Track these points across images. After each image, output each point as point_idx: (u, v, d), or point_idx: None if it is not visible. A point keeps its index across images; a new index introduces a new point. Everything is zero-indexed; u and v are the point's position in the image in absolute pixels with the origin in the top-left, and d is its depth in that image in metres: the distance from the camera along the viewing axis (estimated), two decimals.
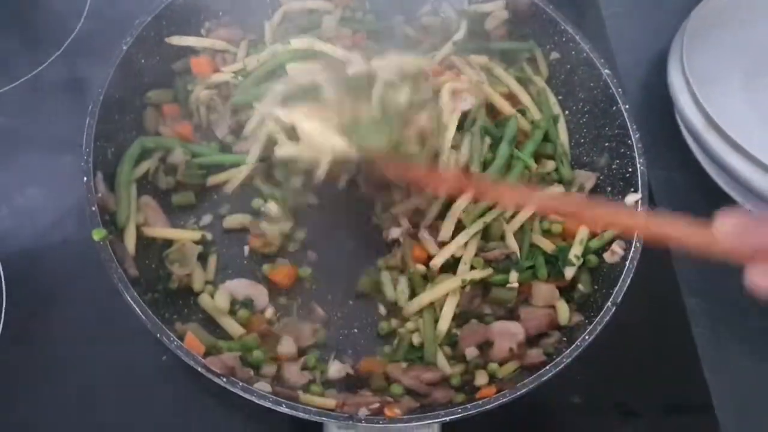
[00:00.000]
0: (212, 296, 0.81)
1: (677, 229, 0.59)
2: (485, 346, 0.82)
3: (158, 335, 0.69)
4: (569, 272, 0.85)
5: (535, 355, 0.78)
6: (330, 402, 0.71)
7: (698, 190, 1.04)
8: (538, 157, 0.95)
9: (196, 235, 0.85)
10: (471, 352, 0.81)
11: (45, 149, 0.96)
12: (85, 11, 1.10)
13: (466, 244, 0.85)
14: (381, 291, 0.86)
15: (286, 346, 0.78)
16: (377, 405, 0.71)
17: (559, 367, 0.73)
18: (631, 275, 0.80)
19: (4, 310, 0.83)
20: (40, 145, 0.97)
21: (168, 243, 0.83)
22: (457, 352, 0.82)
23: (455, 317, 0.83)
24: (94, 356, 0.81)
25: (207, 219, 0.89)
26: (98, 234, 0.73)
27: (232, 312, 0.81)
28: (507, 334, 0.82)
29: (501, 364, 0.80)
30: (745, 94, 1.06)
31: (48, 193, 0.93)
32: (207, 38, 0.97)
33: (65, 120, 0.99)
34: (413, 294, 0.85)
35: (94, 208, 0.75)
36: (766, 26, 1.10)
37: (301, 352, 0.79)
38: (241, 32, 1.00)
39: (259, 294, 0.83)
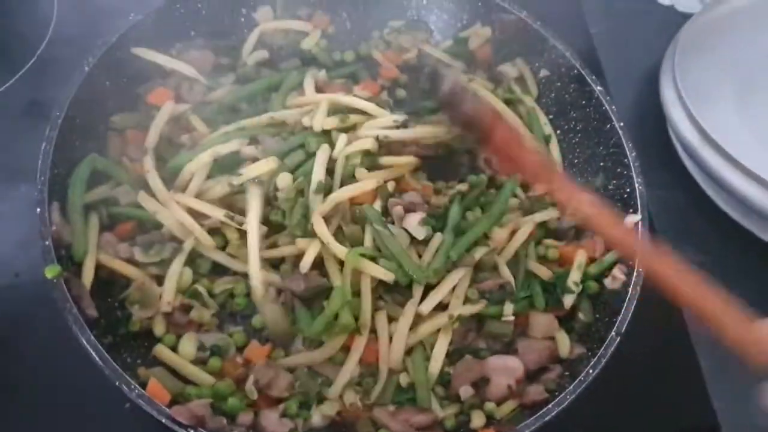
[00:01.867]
0: (174, 345, 0.74)
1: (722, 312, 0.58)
2: (481, 383, 0.76)
3: (117, 383, 0.62)
4: (568, 300, 0.80)
5: (535, 392, 0.73)
6: None
7: (695, 208, 1.01)
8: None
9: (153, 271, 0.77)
10: (465, 391, 0.75)
11: (1, 176, 0.91)
12: (49, 32, 1.05)
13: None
14: None
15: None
16: None
17: (563, 405, 0.68)
18: (635, 302, 0.75)
19: None
20: None
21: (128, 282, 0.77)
22: (450, 392, 0.76)
23: (448, 354, 0.77)
24: (52, 405, 0.75)
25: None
26: (51, 271, 0.67)
27: (200, 360, 0.73)
28: (504, 369, 0.76)
29: (498, 403, 0.74)
30: (739, 108, 1.03)
31: (3, 224, 0.87)
32: (176, 59, 0.92)
33: (22, 146, 0.92)
34: None
35: (47, 242, 0.69)
36: (758, 40, 1.09)
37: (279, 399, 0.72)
38: (212, 56, 0.95)
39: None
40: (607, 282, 0.80)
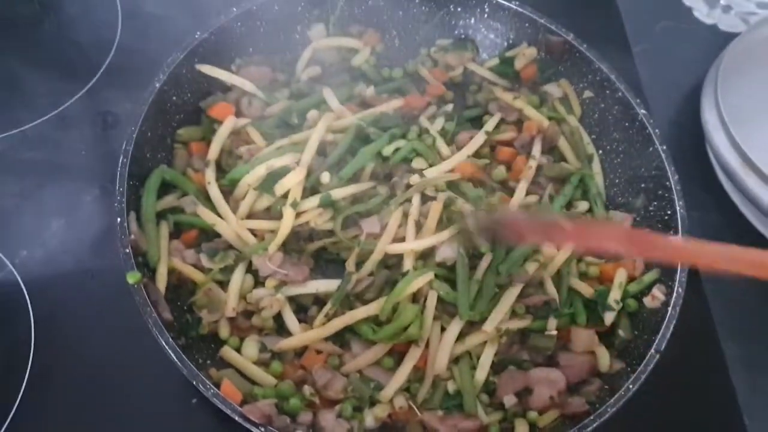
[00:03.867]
0: (238, 347, 0.79)
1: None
2: (524, 393, 0.80)
3: (194, 382, 0.67)
4: (609, 317, 0.83)
5: (577, 404, 0.76)
6: None
7: (733, 232, 1.02)
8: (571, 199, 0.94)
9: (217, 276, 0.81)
10: (509, 399, 0.79)
11: (74, 182, 0.96)
12: (114, 46, 1.10)
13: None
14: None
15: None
16: None
17: (604, 417, 0.71)
18: (674, 322, 0.78)
19: (33, 343, 0.82)
20: (70, 178, 0.97)
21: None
22: (494, 400, 0.80)
23: (493, 364, 0.80)
24: (123, 397, 0.80)
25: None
26: (133, 277, 0.72)
27: (262, 362, 0.78)
28: (546, 381, 0.80)
29: (541, 412, 0.78)
30: None
31: (77, 226, 0.92)
32: (237, 75, 0.97)
33: (92, 154, 1.00)
34: None
35: (127, 250, 0.74)
36: None
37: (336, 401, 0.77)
38: (270, 71, 1.00)
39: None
40: (647, 301, 0.83)
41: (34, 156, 0.99)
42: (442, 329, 0.80)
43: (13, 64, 1.08)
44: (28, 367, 0.80)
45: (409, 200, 0.87)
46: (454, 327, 0.80)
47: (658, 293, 0.82)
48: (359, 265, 0.82)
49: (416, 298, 0.81)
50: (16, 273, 0.87)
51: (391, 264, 0.83)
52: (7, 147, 0.99)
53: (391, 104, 0.97)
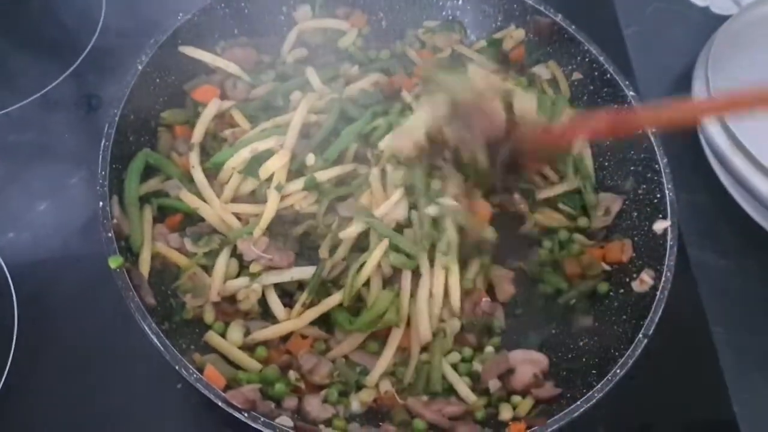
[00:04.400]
0: (223, 332, 0.78)
1: None
2: (507, 374, 0.80)
3: (177, 367, 0.66)
4: None
5: (548, 388, 0.76)
6: None
7: (723, 215, 1.02)
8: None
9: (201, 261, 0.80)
10: (494, 384, 0.79)
11: (59, 165, 0.96)
12: (98, 28, 1.09)
13: None
14: None
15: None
16: None
17: (591, 402, 0.71)
18: (663, 306, 0.77)
19: (16, 327, 0.81)
20: (54, 161, 0.96)
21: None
22: (478, 386, 0.80)
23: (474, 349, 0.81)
24: (107, 382, 0.80)
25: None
26: (115, 262, 0.71)
27: (247, 347, 0.77)
28: (530, 361, 0.80)
29: (524, 393, 0.78)
30: None
31: (61, 209, 0.92)
32: (221, 57, 0.95)
33: (76, 137, 0.99)
34: None
35: (110, 234, 0.73)
36: None
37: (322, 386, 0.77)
38: (255, 53, 0.98)
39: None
40: (635, 285, 0.83)
41: (17, 138, 0.98)
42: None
43: None
44: (11, 351, 0.80)
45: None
46: (424, 281, 0.79)
47: (646, 277, 0.82)
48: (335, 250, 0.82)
49: (391, 281, 0.80)
50: None
51: (365, 246, 0.82)
52: None
53: (371, 79, 0.95)
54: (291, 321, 0.78)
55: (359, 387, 0.77)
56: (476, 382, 0.80)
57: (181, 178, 0.86)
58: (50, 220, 0.91)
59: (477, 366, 0.81)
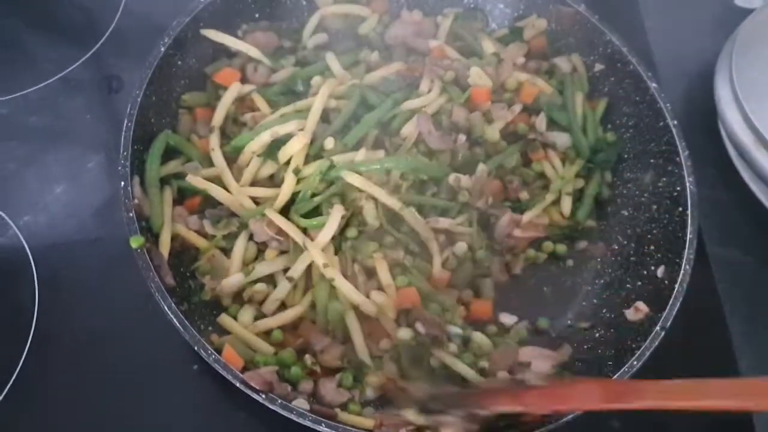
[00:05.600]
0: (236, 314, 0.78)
1: None
2: (521, 368, 0.79)
3: (196, 348, 0.67)
4: None
5: None
6: (368, 422, 0.69)
7: (743, 210, 1.01)
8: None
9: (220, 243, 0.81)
10: (502, 376, 0.78)
11: (79, 146, 0.96)
12: (119, 10, 1.09)
13: None
14: None
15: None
16: (414, 427, 0.69)
17: None
18: (681, 299, 0.77)
19: (36, 305, 0.82)
20: (75, 143, 0.97)
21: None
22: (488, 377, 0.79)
23: None
24: (124, 362, 0.80)
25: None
26: (136, 241, 0.72)
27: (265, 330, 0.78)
28: (541, 356, 0.80)
29: None
30: None
31: (81, 191, 0.93)
32: (242, 41, 0.95)
33: (96, 119, 1.00)
34: None
35: (131, 214, 0.73)
36: None
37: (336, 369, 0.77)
38: (276, 38, 0.98)
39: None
40: (629, 313, 0.82)
41: (37, 120, 0.98)
42: None
43: (17, 26, 1.07)
44: (32, 331, 0.81)
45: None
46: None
47: (641, 306, 0.81)
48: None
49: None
50: (21, 236, 0.87)
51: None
52: (10, 111, 0.98)
53: (392, 67, 0.95)
54: (295, 308, 0.78)
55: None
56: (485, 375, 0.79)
57: (201, 161, 0.86)
58: (70, 202, 0.92)
59: (484, 363, 0.80)
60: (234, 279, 0.78)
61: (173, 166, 0.85)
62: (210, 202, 0.84)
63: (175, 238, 0.80)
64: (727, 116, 0.98)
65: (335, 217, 0.78)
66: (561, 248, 0.92)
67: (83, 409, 0.77)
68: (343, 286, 0.76)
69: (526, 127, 0.94)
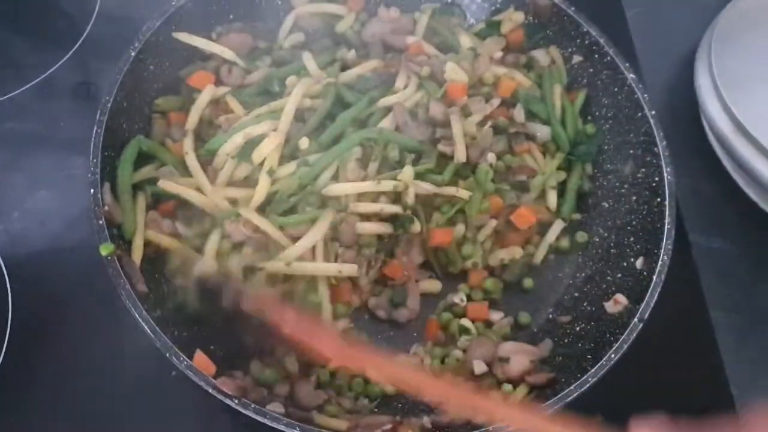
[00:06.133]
0: None
1: None
2: (500, 363, 0.79)
3: (168, 354, 0.66)
4: None
5: (543, 374, 0.76)
6: (343, 424, 0.69)
7: (725, 199, 1.00)
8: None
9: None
10: (479, 365, 0.78)
11: (55, 152, 0.95)
12: (95, 13, 1.08)
13: None
14: None
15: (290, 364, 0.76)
16: (390, 426, 0.69)
17: (586, 386, 0.71)
18: (659, 290, 0.76)
19: (10, 318, 0.81)
20: (51, 149, 0.95)
21: None
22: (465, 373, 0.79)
23: None
24: (102, 368, 0.79)
25: None
26: (106, 249, 0.71)
27: None
28: (522, 351, 0.80)
29: (516, 384, 0.77)
30: None
31: (58, 198, 0.91)
32: (216, 43, 0.94)
33: (76, 123, 0.98)
34: None
35: (101, 222, 0.73)
36: None
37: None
38: (251, 39, 0.97)
39: None
40: (608, 306, 0.82)
41: (12, 126, 0.97)
42: None
43: None
44: (5, 343, 0.80)
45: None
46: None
47: (621, 298, 0.81)
48: None
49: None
50: None
51: None
52: None
53: (369, 65, 0.94)
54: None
55: None
56: (462, 372, 0.79)
57: (176, 165, 0.85)
58: (45, 209, 0.90)
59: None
60: (207, 265, 0.77)
61: (147, 171, 0.84)
62: (184, 205, 0.84)
63: (148, 244, 0.79)
64: (708, 105, 0.98)
65: (322, 224, 0.78)
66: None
67: (60, 420, 0.77)
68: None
69: (506, 121, 0.93)
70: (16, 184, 0.92)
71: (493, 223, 0.87)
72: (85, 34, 1.05)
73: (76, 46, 1.04)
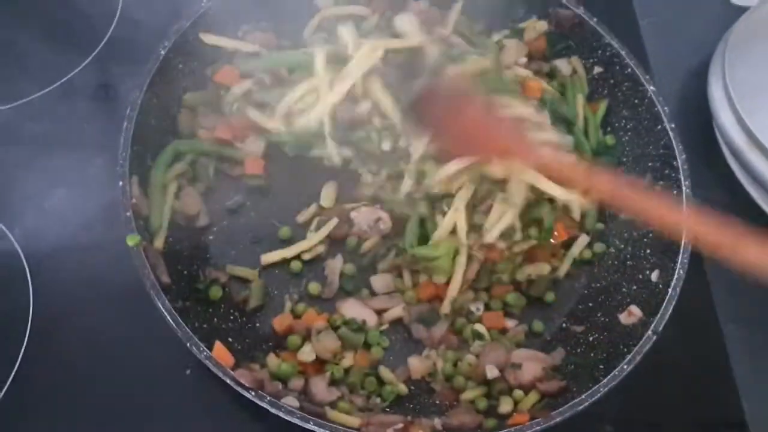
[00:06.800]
0: None
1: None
2: (512, 369, 0.80)
3: (188, 344, 0.68)
4: None
5: (555, 382, 0.77)
6: (355, 421, 0.70)
7: (737, 210, 0.98)
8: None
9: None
10: (491, 370, 0.78)
11: (75, 153, 0.95)
12: (116, 16, 1.08)
13: None
14: None
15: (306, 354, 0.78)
16: (401, 426, 0.70)
17: (597, 396, 0.71)
18: (674, 303, 0.77)
19: (31, 313, 0.82)
20: (72, 149, 0.96)
21: None
22: (477, 375, 0.80)
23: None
24: (121, 361, 0.81)
25: None
26: (132, 240, 0.73)
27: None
28: (535, 358, 0.80)
29: (527, 391, 0.78)
30: None
31: (78, 196, 0.92)
32: (239, 41, 0.96)
33: (97, 124, 0.98)
34: None
35: (128, 213, 0.75)
36: None
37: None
38: (275, 38, 0.99)
39: None
40: (622, 317, 0.82)
41: (36, 127, 0.97)
42: None
43: (14, 34, 1.06)
44: (26, 337, 0.81)
45: None
46: None
47: (635, 310, 0.81)
48: None
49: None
50: (15, 243, 0.87)
51: None
52: (9, 118, 0.97)
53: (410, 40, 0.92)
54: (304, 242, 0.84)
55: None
56: (474, 377, 0.80)
57: (212, 153, 0.88)
58: (67, 208, 0.91)
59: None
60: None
61: (178, 168, 0.87)
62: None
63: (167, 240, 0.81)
64: (721, 117, 0.97)
65: None
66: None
67: (78, 415, 0.78)
68: None
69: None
70: (37, 183, 0.93)
71: (532, 240, 0.86)
72: (106, 38, 1.05)
73: (98, 49, 1.04)
